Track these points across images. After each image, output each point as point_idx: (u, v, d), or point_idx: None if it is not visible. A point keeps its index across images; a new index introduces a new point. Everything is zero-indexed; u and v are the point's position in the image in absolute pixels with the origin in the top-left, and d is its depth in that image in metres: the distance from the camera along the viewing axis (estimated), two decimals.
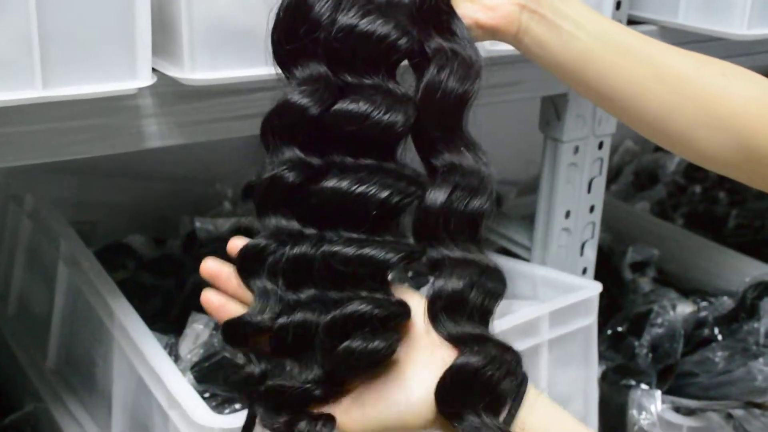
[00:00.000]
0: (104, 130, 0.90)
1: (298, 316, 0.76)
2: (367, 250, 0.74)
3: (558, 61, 0.85)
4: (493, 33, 0.83)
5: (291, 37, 0.76)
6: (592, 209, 1.35)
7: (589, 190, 1.34)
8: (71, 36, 0.80)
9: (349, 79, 0.76)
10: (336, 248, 0.75)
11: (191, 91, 0.92)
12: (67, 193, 1.42)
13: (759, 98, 0.86)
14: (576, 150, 1.30)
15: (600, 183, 1.34)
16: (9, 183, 1.43)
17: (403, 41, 0.75)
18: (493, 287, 0.76)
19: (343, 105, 0.74)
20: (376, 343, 0.73)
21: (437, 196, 0.75)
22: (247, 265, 0.79)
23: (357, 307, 0.73)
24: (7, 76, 0.77)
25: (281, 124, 0.76)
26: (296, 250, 0.77)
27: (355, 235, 0.76)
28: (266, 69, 0.79)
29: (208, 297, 0.81)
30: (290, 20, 0.76)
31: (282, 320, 0.76)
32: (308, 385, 0.76)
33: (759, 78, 0.87)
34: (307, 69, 0.76)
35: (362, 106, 0.74)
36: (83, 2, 0.79)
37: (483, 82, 0.78)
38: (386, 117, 0.74)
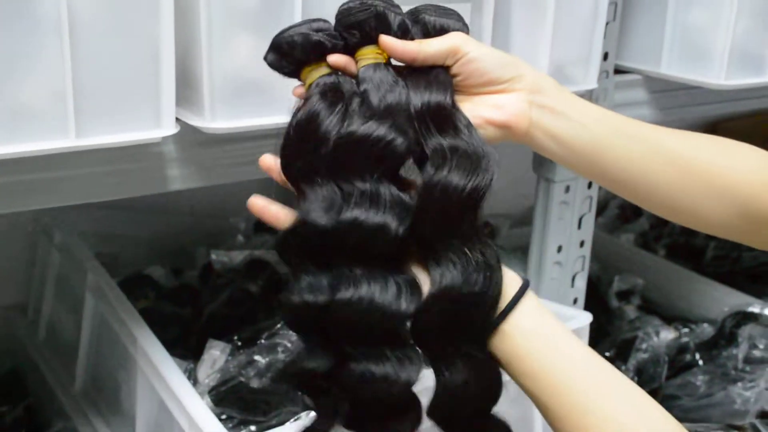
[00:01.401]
0: (131, 175, 0.92)
1: None
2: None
3: (570, 151, 0.85)
4: (505, 129, 0.82)
5: (301, 155, 0.76)
6: (582, 244, 1.36)
7: (579, 226, 1.35)
8: (102, 90, 0.82)
9: (345, 186, 0.74)
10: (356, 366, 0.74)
11: (211, 139, 0.94)
12: (92, 226, 1.43)
13: (756, 170, 0.88)
14: (567, 189, 1.31)
15: (589, 219, 1.35)
16: (39, 218, 1.44)
17: (399, 142, 0.74)
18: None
19: (342, 216, 0.73)
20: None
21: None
22: None
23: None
24: (44, 126, 0.79)
25: (297, 244, 0.76)
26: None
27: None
28: (277, 118, 0.80)
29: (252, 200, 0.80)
30: (301, 138, 0.76)
31: None
32: None
33: (754, 150, 0.89)
34: (318, 190, 0.75)
35: (356, 214, 0.73)
36: (113, 59, 0.81)
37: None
38: (374, 220, 0.72)
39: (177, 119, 0.88)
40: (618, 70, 1.31)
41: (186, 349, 1.24)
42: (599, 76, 1.20)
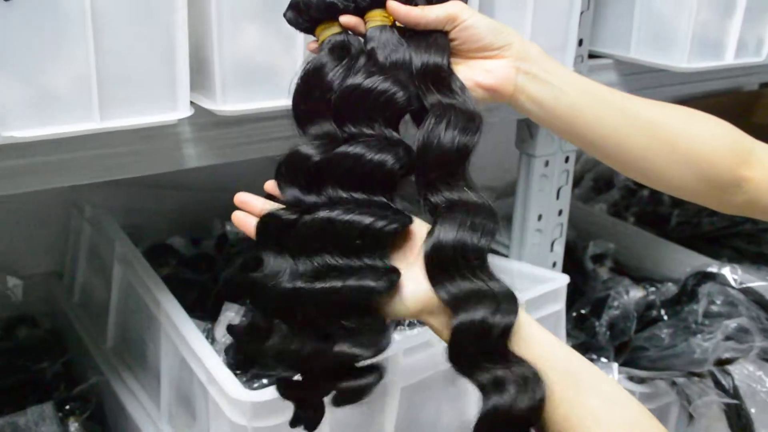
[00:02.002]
0: (150, 154, 0.91)
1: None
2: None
3: (550, 114, 0.85)
4: (492, 92, 0.82)
5: (306, 100, 0.76)
6: (560, 213, 1.35)
7: (557, 197, 1.34)
8: (123, 77, 0.81)
9: (352, 129, 0.75)
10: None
11: (222, 120, 0.92)
12: (119, 202, 1.42)
13: (716, 139, 0.87)
14: (546, 163, 1.30)
15: (567, 191, 1.34)
16: (72, 195, 1.43)
17: (400, 95, 0.75)
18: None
19: (341, 149, 0.73)
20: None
21: (447, 233, 0.71)
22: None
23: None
24: (72, 111, 0.79)
25: (287, 170, 0.75)
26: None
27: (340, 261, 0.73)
28: (282, 101, 0.80)
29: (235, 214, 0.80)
30: (307, 85, 0.76)
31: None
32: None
33: (716, 121, 0.89)
34: (318, 127, 0.75)
35: (357, 149, 0.73)
36: (133, 49, 0.80)
37: None
38: (376, 157, 0.73)
39: (191, 103, 0.87)
40: (592, 55, 1.29)
41: (204, 311, 1.23)
42: (575, 61, 1.19)
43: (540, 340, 0.72)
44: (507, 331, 0.70)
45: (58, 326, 1.46)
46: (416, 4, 0.79)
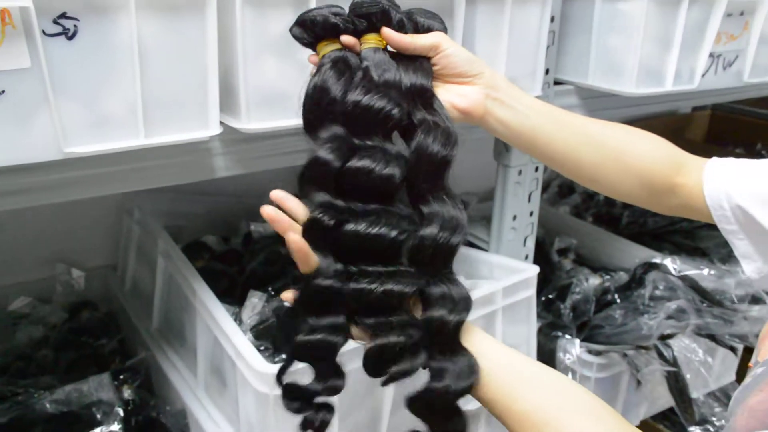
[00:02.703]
0: (186, 166, 0.90)
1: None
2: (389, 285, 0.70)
3: (515, 134, 0.84)
4: (465, 114, 0.82)
5: (315, 108, 0.74)
6: (531, 214, 1.34)
7: (529, 201, 1.33)
8: (164, 102, 0.80)
9: (357, 141, 0.73)
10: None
11: (247, 137, 0.92)
12: (162, 206, 1.41)
13: (653, 150, 0.88)
14: (519, 172, 1.29)
15: (536, 195, 1.33)
16: (123, 201, 1.43)
17: (395, 111, 0.73)
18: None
19: (353, 163, 0.71)
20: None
21: (431, 230, 0.71)
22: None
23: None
24: (120, 130, 0.78)
25: (312, 176, 0.72)
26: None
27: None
28: (298, 121, 0.77)
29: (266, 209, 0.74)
30: (315, 96, 0.74)
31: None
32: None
33: (653, 137, 0.89)
34: (329, 131, 0.73)
35: (367, 163, 0.71)
36: (172, 77, 0.80)
37: (456, 124, 0.77)
38: (385, 171, 0.71)
39: (221, 122, 0.86)
40: (556, 82, 1.28)
41: (233, 297, 1.22)
42: (543, 87, 1.18)
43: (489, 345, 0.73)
44: (459, 326, 0.72)
45: (114, 310, 1.46)
46: (406, 32, 0.78)
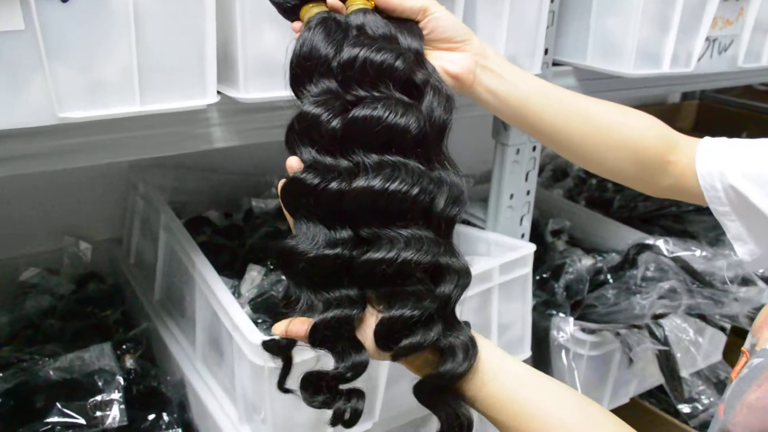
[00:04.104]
0: (183, 135, 0.84)
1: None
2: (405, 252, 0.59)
3: (503, 104, 0.77)
4: (456, 80, 0.75)
5: (305, 67, 0.65)
6: (528, 193, 1.29)
7: (526, 180, 1.27)
8: (161, 68, 0.74)
9: (361, 92, 0.63)
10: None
11: (245, 107, 0.86)
12: (167, 182, 1.37)
13: (648, 127, 0.81)
14: (517, 151, 1.23)
15: (534, 174, 1.28)
16: (129, 175, 1.38)
17: (400, 62, 0.63)
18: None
19: (360, 111, 0.60)
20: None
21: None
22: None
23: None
24: (116, 96, 0.73)
25: (300, 130, 0.62)
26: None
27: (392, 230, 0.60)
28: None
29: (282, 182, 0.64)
30: (301, 55, 0.65)
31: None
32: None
33: (645, 115, 0.82)
34: (319, 85, 0.64)
35: (379, 111, 0.60)
36: (169, 44, 0.74)
37: (455, 103, 0.69)
38: (402, 120, 0.60)
39: (218, 92, 0.80)
40: (555, 63, 1.23)
41: (233, 270, 1.17)
42: (542, 66, 1.12)
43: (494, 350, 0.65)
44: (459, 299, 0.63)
45: (119, 282, 1.41)
46: None
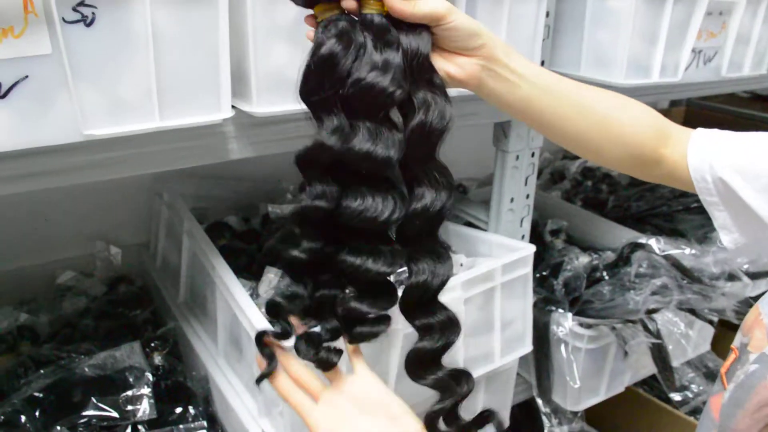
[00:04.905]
0: (200, 148, 0.82)
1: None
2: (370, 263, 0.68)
3: (506, 104, 0.75)
4: (460, 83, 0.72)
5: (319, 89, 0.65)
6: (527, 196, 1.27)
7: (525, 184, 1.25)
8: (178, 86, 0.73)
9: (357, 123, 0.65)
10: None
11: (258, 120, 0.84)
12: (190, 189, 1.35)
13: (644, 122, 0.79)
14: (517, 158, 1.21)
15: (533, 179, 1.26)
16: (154, 184, 1.37)
17: (398, 93, 0.64)
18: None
19: (355, 145, 0.64)
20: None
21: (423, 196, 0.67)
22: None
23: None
24: (137, 113, 0.72)
25: (316, 160, 0.66)
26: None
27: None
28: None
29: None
30: (319, 74, 0.65)
31: None
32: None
33: (644, 108, 0.80)
34: (333, 118, 0.65)
35: (368, 146, 0.64)
36: (186, 63, 0.73)
37: (457, 112, 0.68)
38: (383, 153, 0.64)
39: (233, 106, 0.79)
40: None
41: (251, 272, 1.15)
42: None
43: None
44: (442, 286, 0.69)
45: (147, 284, 1.40)
46: None
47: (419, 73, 0.67)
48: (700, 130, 0.80)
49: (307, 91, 0.66)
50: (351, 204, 0.65)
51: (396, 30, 0.66)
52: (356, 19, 0.66)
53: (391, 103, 0.65)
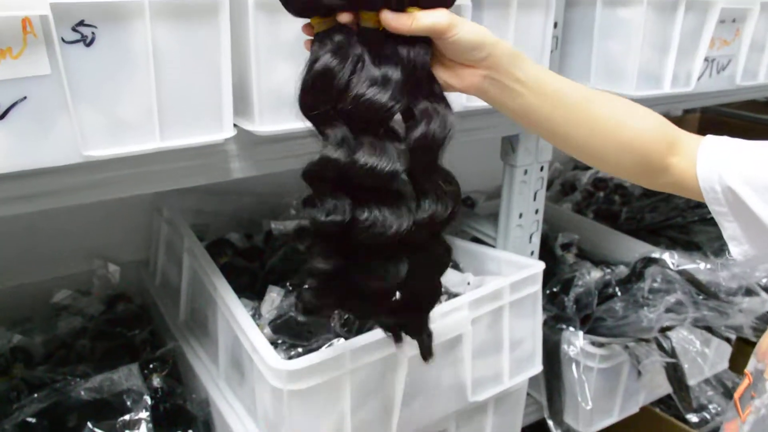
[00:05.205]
0: (202, 167, 0.84)
1: None
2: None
3: (508, 110, 0.75)
4: (460, 92, 0.73)
5: (316, 104, 0.67)
6: (536, 211, 1.27)
7: (534, 199, 1.26)
8: (179, 105, 0.75)
9: (359, 137, 0.67)
10: None
11: (260, 139, 0.85)
12: (190, 205, 1.37)
13: (650, 129, 0.78)
14: (525, 172, 1.23)
15: (542, 194, 1.27)
16: (154, 201, 1.39)
17: (396, 108, 0.66)
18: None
19: (359, 160, 0.65)
20: None
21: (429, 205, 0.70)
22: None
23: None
24: (137, 134, 0.73)
25: (324, 175, 0.67)
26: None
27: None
28: (308, 123, 0.70)
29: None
30: (317, 89, 0.66)
31: None
32: None
33: (652, 115, 0.79)
34: (336, 131, 0.66)
35: (373, 161, 0.66)
36: (187, 82, 0.74)
37: (463, 127, 0.69)
38: (388, 167, 0.66)
39: (235, 125, 0.80)
40: None
41: (253, 292, 1.17)
42: None
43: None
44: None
45: (146, 303, 1.41)
46: (405, 7, 0.67)
47: (419, 84, 0.68)
48: (709, 137, 0.79)
49: (305, 106, 0.67)
50: (360, 217, 0.67)
51: (395, 42, 0.66)
52: (354, 30, 0.67)
53: (391, 117, 0.67)
